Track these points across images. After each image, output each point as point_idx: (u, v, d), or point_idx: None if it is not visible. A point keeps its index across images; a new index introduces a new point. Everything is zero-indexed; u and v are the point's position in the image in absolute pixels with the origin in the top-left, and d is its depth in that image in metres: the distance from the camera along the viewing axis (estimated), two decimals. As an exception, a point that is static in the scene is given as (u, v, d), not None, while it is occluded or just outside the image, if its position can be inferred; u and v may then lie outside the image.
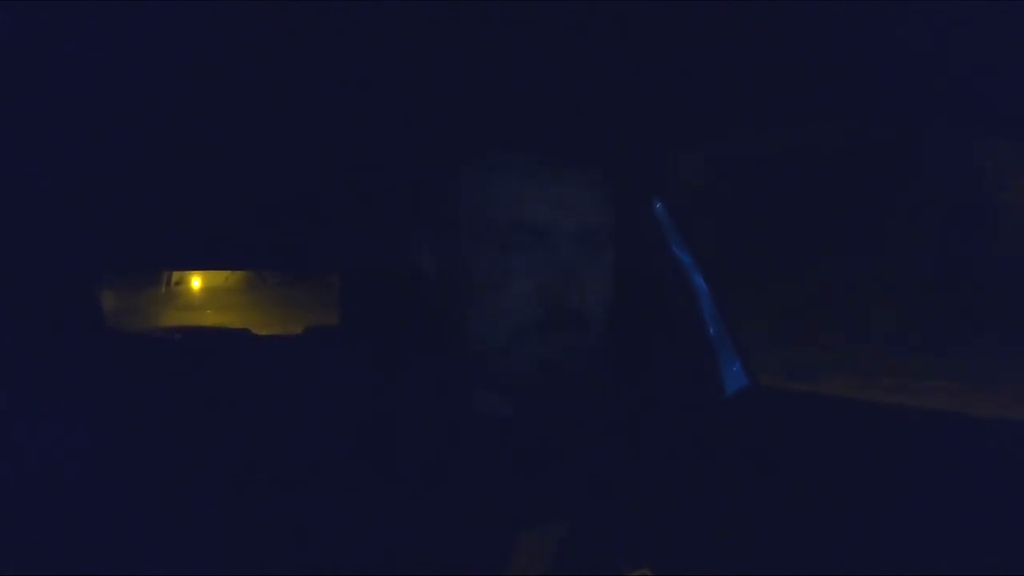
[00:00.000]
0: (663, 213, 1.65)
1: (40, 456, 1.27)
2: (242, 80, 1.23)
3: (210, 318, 10.28)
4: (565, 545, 0.76)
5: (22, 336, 1.39)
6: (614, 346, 0.91)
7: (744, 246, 8.12)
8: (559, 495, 0.84)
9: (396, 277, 0.95)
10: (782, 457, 1.21)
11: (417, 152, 0.99)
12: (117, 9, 0.96)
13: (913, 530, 1.15)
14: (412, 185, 0.97)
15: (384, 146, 1.37)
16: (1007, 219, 8.36)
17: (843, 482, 1.25)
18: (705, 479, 0.89)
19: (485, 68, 1.08)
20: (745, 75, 1.14)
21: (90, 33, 1.02)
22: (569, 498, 0.84)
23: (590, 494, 0.85)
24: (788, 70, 1.11)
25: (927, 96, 1.07)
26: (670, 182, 1.69)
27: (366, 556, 0.79)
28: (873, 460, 1.30)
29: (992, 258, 8.17)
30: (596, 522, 0.81)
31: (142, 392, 1.66)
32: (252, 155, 1.62)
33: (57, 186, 1.48)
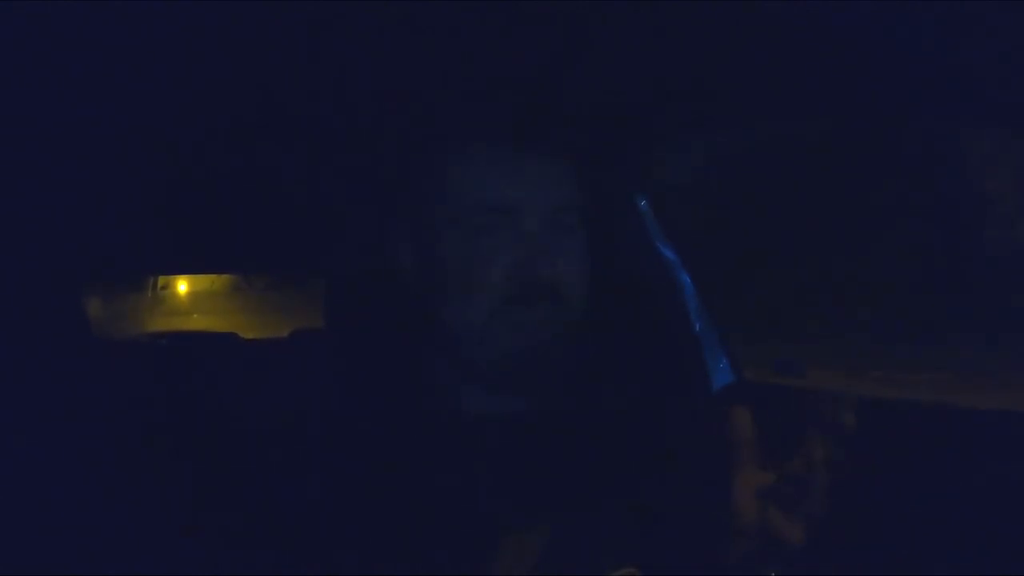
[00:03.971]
0: (647, 209, 1.65)
1: (25, 463, 1.26)
2: (226, 84, 1.22)
3: (196, 322, 10.22)
4: (551, 544, 0.76)
5: (5, 343, 1.38)
6: (599, 343, 0.91)
7: (730, 241, 8.15)
8: (544, 495, 0.84)
9: (380, 278, 0.94)
10: (770, 453, 1.21)
11: (393, 146, 0.99)
12: (99, 15, 0.95)
13: (903, 523, 1.15)
14: (389, 179, 0.98)
15: (362, 142, 1.37)
16: (996, 209, 8.40)
17: (832, 478, 1.25)
18: (692, 476, 0.89)
19: (463, 59, 1.08)
20: (731, 69, 1.14)
21: (71, 39, 1.02)
22: (554, 497, 0.83)
23: (575, 493, 0.85)
24: (774, 63, 1.11)
25: (915, 87, 1.07)
26: (655, 178, 1.69)
27: (352, 556, 0.79)
28: (862, 454, 1.30)
29: (980, 249, 8.21)
30: (582, 521, 0.80)
31: (128, 398, 1.65)
32: (235, 158, 1.61)
33: (40, 191, 1.47)
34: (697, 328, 1.64)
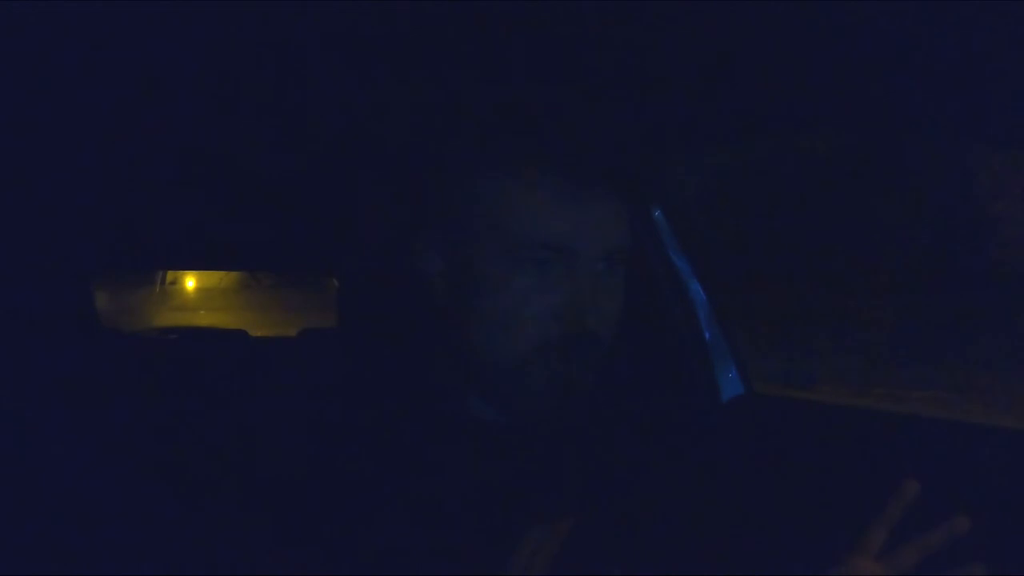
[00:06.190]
0: (661, 220, 1.65)
1: (33, 457, 1.26)
2: (242, 80, 1.23)
3: (204, 319, 10.25)
4: (561, 549, 0.76)
5: (15, 337, 1.39)
6: (615, 358, 0.90)
7: (741, 254, 8.16)
8: (555, 500, 0.83)
9: (393, 281, 0.94)
10: (777, 463, 1.21)
11: (422, 160, 0.97)
12: (110, 12, 0.95)
13: (904, 537, 1.15)
14: (417, 193, 0.95)
15: (387, 150, 1.37)
16: (1001, 228, 8.41)
17: (836, 488, 1.25)
18: (701, 485, 0.89)
19: (493, 79, 1.07)
20: (743, 85, 1.14)
21: (84, 35, 1.02)
22: (564, 503, 0.83)
23: (586, 499, 0.84)
24: (785, 80, 1.12)
25: (925, 105, 1.07)
26: (669, 190, 1.70)
27: (361, 558, 0.79)
28: (866, 467, 1.31)
29: (985, 267, 8.22)
30: (591, 527, 0.80)
31: (136, 393, 1.65)
32: (248, 155, 1.61)
33: (51, 185, 1.48)
34: (708, 338, 1.64)
